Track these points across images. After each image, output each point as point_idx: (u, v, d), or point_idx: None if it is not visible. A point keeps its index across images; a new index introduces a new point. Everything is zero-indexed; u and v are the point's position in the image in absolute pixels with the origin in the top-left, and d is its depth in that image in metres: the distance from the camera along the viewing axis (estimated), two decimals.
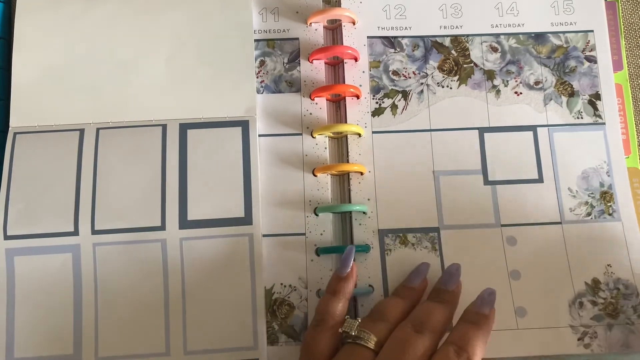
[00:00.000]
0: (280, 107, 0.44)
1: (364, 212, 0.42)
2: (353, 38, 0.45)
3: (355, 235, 0.42)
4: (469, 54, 0.46)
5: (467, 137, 0.44)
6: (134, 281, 0.40)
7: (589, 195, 0.43)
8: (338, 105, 0.45)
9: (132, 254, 0.41)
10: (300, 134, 0.44)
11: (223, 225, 0.41)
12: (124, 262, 0.40)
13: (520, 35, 0.46)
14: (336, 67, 0.46)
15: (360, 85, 0.44)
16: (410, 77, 0.45)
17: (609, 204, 0.43)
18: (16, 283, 0.40)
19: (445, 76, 0.45)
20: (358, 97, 0.44)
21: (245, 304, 0.40)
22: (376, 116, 0.44)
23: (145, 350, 0.39)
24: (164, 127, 0.43)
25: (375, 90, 0.45)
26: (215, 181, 0.42)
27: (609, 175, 0.44)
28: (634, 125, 0.47)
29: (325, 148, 0.43)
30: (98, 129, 0.43)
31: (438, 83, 0.45)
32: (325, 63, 0.45)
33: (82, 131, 0.43)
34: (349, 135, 0.44)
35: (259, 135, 0.43)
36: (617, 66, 0.47)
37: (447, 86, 0.45)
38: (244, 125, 0.43)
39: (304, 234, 0.42)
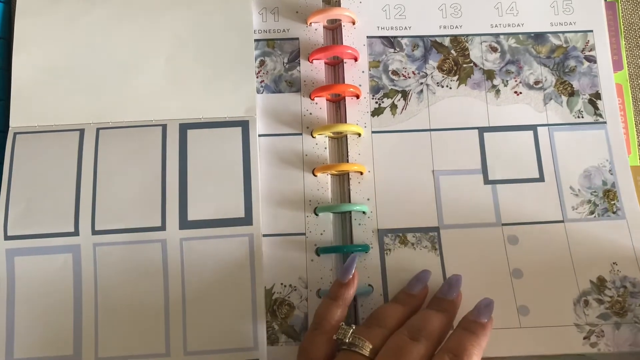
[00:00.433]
0: (280, 107, 0.44)
1: (363, 212, 0.42)
2: (353, 38, 0.45)
3: (355, 235, 0.42)
4: (469, 54, 0.46)
5: (467, 136, 0.44)
6: (134, 282, 0.40)
7: (592, 193, 0.43)
8: (338, 105, 0.45)
9: (133, 254, 0.41)
10: (300, 134, 0.44)
11: (223, 226, 0.41)
12: (124, 263, 0.40)
13: (520, 35, 0.46)
14: (336, 67, 0.46)
15: (360, 85, 0.44)
16: (409, 77, 0.45)
17: (612, 202, 0.43)
18: (16, 283, 0.40)
19: (445, 76, 0.45)
20: (358, 97, 0.44)
21: (245, 304, 0.40)
22: (376, 116, 0.44)
23: (145, 350, 0.39)
24: (164, 127, 0.43)
25: (375, 90, 0.45)
26: (215, 181, 0.42)
27: (611, 174, 0.44)
28: (634, 125, 0.47)
29: (325, 148, 0.43)
30: (98, 129, 0.43)
31: (438, 83, 0.45)
32: (325, 63, 0.45)
33: (82, 131, 0.43)
34: (348, 135, 0.44)
35: (259, 135, 0.43)
36: (617, 66, 0.47)
37: (447, 86, 0.45)
38: (244, 125, 0.43)
39: (304, 234, 0.42)
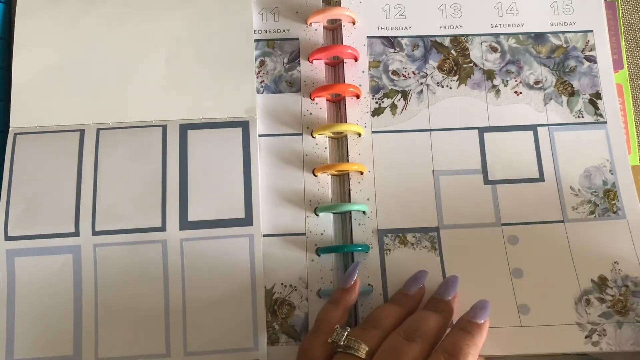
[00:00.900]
0: (281, 107, 0.44)
1: (363, 212, 0.42)
2: (353, 38, 0.45)
3: (355, 235, 0.42)
4: (469, 54, 0.46)
5: (467, 136, 0.44)
6: (134, 282, 0.40)
7: (592, 193, 0.43)
8: (338, 106, 0.45)
9: (133, 255, 0.41)
10: (301, 134, 0.44)
11: (224, 226, 0.41)
12: (125, 263, 0.40)
13: (520, 35, 0.46)
14: (336, 67, 0.46)
15: (360, 85, 0.44)
16: (409, 77, 0.45)
17: (612, 202, 0.43)
18: (17, 284, 0.40)
19: (445, 76, 0.45)
20: (358, 96, 0.44)
21: (245, 304, 0.40)
22: (376, 116, 0.44)
23: (145, 351, 0.39)
24: (164, 127, 0.43)
25: (375, 90, 0.45)
26: (215, 182, 0.42)
27: (612, 173, 0.44)
28: (634, 125, 0.47)
29: (325, 148, 0.43)
30: (98, 130, 0.43)
31: (438, 83, 0.45)
32: (325, 63, 0.45)
33: (82, 132, 0.43)
34: (348, 135, 0.44)
35: (259, 135, 0.43)
36: (617, 66, 0.47)
37: (447, 86, 0.45)
38: (244, 125, 0.43)
39: (304, 234, 0.42)
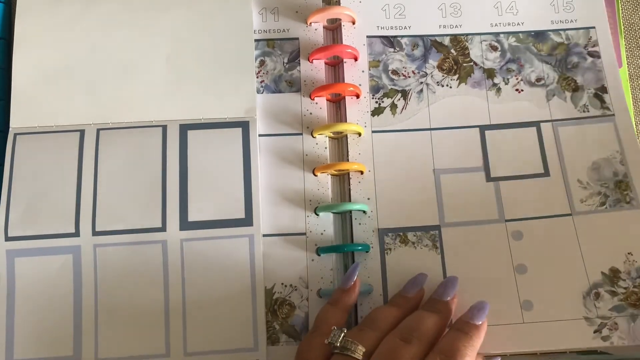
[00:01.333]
0: (280, 106, 0.44)
1: (364, 212, 0.42)
2: (352, 38, 0.45)
3: (355, 234, 0.42)
4: (469, 53, 0.45)
5: (468, 135, 0.44)
6: (134, 282, 0.40)
7: (602, 185, 0.43)
8: (338, 105, 0.45)
9: (133, 255, 0.41)
10: (301, 134, 0.44)
11: (224, 227, 0.41)
12: (125, 264, 0.40)
13: (520, 34, 0.46)
14: (336, 67, 0.46)
15: (360, 85, 0.44)
16: (409, 77, 0.45)
17: (625, 192, 0.42)
18: (16, 284, 0.40)
19: (445, 75, 0.45)
20: (358, 96, 0.44)
21: (245, 305, 0.40)
22: (376, 115, 0.44)
23: (145, 351, 0.39)
24: (164, 128, 0.43)
25: (375, 89, 0.45)
26: (215, 182, 0.42)
27: (622, 164, 0.43)
28: (635, 125, 0.47)
29: (326, 148, 0.43)
30: (98, 130, 0.43)
31: (438, 82, 0.45)
32: (325, 63, 0.45)
33: (82, 132, 0.43)
34: (349, 135, 0.44)
35: (259, 135, 0.43)
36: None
37: (447, 85, 0.45)
38: (244, 126, 0.43)
39: (304, 234, 0.42)
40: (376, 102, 0.44)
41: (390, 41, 0.46)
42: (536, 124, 0.44)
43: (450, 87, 0.45)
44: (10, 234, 0.41)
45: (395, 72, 0.45)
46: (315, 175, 0.43)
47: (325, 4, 0.47)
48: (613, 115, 0.44)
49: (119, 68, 0.44)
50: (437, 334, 0.36)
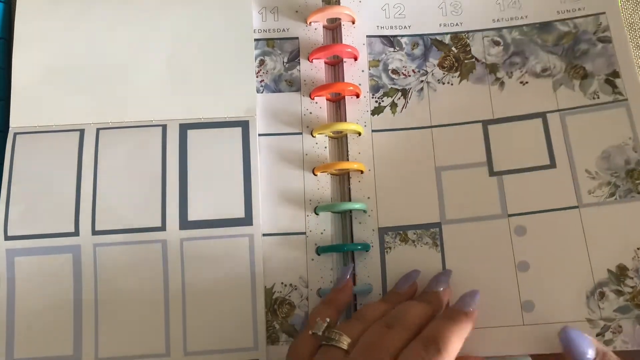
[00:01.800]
0: (280, 106, 0.44)
1: (364, 211, 0.42)
2: (352, 37, 0.45)
3: (355, 233, 0.42)
4: (470, 50, 0.45)
5: (470, 130, 0.43)
6: (134, 282, 0.40)
7: (612, 174, 0.41)
8: (338, 105, 0.45)
9: (133, 254, 0.41)
10: (300, 133, 0.44)
11: (223, 226, 0.41)
12: (125, 263, 0.40)
13: (524, 27, 0.45)
14: (336, 66, 0.46)
15: (360, 84, 0.44)
16: (409, 76, 0.45)
17: (637, 181, 0.40)
18: (16, 283, 0.40)
19: (446, 73, 0.45)
20: (358, 96, 0.44)
21: (245, 304, 0.40)
22: (376, 115, 0.44)
23: (145, 351, 0.39)
24: (164, 127, 0.43)
25: (375, 89, 0.45)
26: (215, 182, 0.42)
27: (635, 152, 0.41)
28: None
29: (325, 147, 0.43)
30: (98, 129, 0.43)
31: (438, 80, 0.45)
32: (325, 62, 0.45)
33: (82, 131, 0.43)
34: (348, 135, 0.44)
35: (259, 135, 0.43)
36: None
37: (448, 82, 0.44)
38: (244, 125, 0.43)
39: (304, 233, 0.42)
40: (376, 101, 0.44)
41: (390, 41, 0.46)
42: (542, 115, 0.43)
43: (452, 85, 0.44)
44: (10, 233, 0.41)
45: (395, 71, 0.45)
46: (315, 175, 0.43)
47: (325, 3, 0.47)
48: (626, 100, 0.42)
49: (119, 68, 0.44)
50: (424, 322, 0.35)
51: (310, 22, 0.46)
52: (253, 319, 0.40)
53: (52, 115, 0.43)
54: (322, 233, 0.42)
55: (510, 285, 0.39)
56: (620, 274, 0.39)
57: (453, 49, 0.45)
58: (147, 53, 0.45)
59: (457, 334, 0.33)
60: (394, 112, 0.44)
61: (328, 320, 0.36)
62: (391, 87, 0.45)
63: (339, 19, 0.46)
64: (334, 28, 0.46)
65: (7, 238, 0.40)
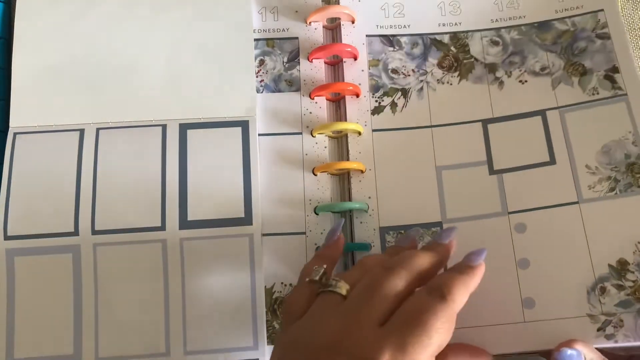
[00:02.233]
0: (280, 106, 0.44)
1: (365, 210, 0.42)
2: (352, 37, 0.45)
3: (356, 233, 0.42)
4: (469, 50, 0.45)
5: (470, 130, 0.43)
6: (134, 282, 0.40)
7: (612, 169, 0.41)
8: (338, 105, 0.45)
9: (133, 254, 0.41)
10: (300, 133, 0.44)
11: (223, 226, 0.41)
12: (124, 263, 0.40)
13: (523, 27, 0.45)
14: (336, 66, 0.46)
15: (360, 84, 0.44)
16: (409, 75, 0.45)
17: (637, 175, 0.40)
18: (16, 283, 0.40)
19: (445, 73, 0.45)
20: (357, 95, 0.44)
21: (245, 304, 0.40)
22: (376, 114, 0.44)
23: (145, 350, 0.39)
24: (164, 127, 0.43)
25: (375, 88, 0.45)
26: (215, 181, 0.42)
27: (635, 145, 0.41)
28: None
29: (325, 147, 0.43)
30: (98, 129, 0.43)
31: (438, 80, 0.45)
32: (325, 62, 0.45)
33: (82, 131, 0.43)
34: (349, 134, 0.44)
35: (259, 135, 0.43)
36: None
37: (448, 82, 0.45)
38: (243, 125, 0.43)
39: (304, 233, 0.42)
40: (376, 101, 0.44)
41: (390, 40, 0.46)
42: (541, 113, 0.43)
43: (451, 84, 0.44)
44: (9, 233, 0.41)
45: (395, 70, 0.45)
46: (315, 175, 0.43)
47: (324, 3, 0.47)
48: (625, 94, 0.42)
49: (119, 68, 0.44)
50: (428, 271, 0.34)
51: (310, 22, 0.46)
52: (253, 318, 0.40)
53: (52, 115, 0.43)
54: (322, 233, 0.42)
55: (511, 282, 0.39)
56: (621, 268, 0.39)
57: (452, 48, 0.45)
58: (147, 53, 0.45)
59: (463, 284, 0.32)
60: (394, 112, 0.44)
61: (325, 266, 0.35)
62: (391, 87, 0.45)
63: (339, 18, 0.46)
64: (333, 28, 0.46)
65: (7, 238, 0.40)
